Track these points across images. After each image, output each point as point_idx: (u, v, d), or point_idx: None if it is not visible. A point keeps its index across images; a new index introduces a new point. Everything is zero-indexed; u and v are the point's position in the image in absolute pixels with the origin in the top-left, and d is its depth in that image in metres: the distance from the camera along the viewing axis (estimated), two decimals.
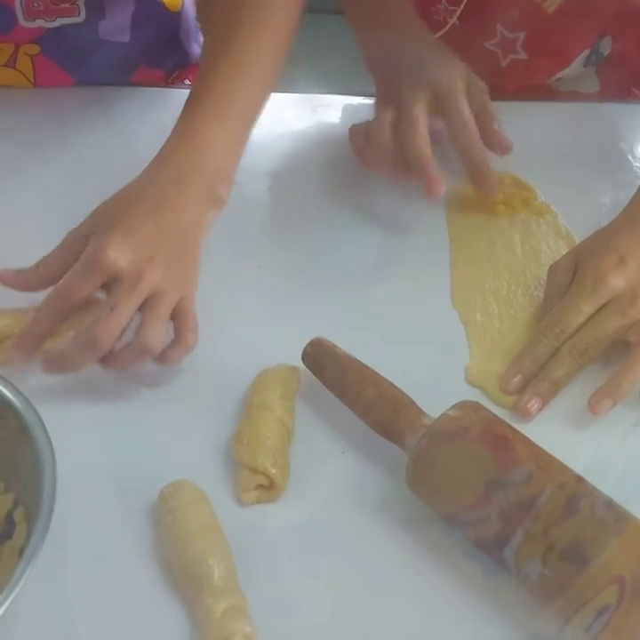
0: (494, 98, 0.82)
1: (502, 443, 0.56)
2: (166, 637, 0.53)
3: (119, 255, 0.61)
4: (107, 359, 0.63)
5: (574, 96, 1.00)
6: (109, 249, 0.61)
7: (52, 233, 0.70)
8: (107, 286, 0.63)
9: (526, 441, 0.57)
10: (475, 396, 0.66)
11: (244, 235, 0.79)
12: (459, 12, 0.89)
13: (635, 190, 0.76)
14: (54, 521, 0.50)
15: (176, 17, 0.96)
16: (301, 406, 0.65)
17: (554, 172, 0.85)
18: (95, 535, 0.58)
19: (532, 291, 0.75)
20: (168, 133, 0.70)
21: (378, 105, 0.82)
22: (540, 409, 0.65)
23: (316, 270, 0.77)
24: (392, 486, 0.61)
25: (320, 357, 0.65)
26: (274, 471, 0.59)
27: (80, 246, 0.65)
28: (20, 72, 0.92)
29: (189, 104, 0.71)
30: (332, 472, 0.62)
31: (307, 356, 0.65)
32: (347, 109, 0.94)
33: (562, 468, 0.56)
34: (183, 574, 0.55)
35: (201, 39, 0.99)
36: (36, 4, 0.85)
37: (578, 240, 0.78)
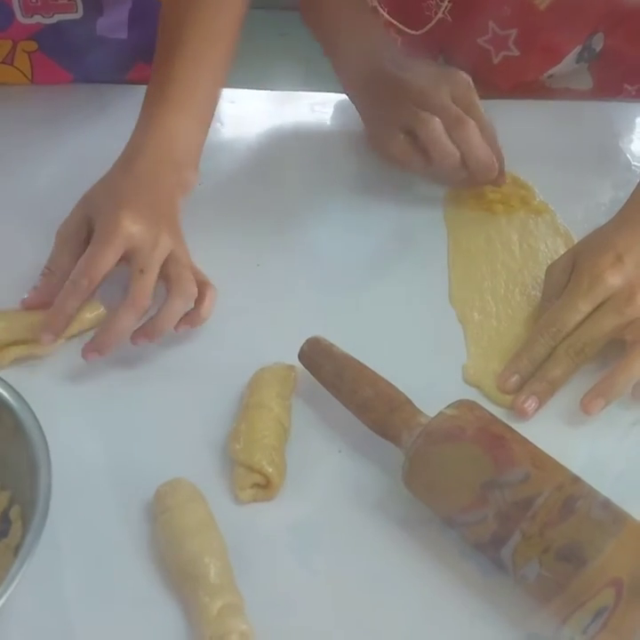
0: (487, 95, 0.81)
1: (499, 442, 0.56)
2: (162, 635, 0.53)
3: (133, 225, 0.66)
4: (148, 329, 0.66)
5: (567, 93, 1.00)
6: (124, 222, 0.66)
7: (49, 229, 0.70)
8: (125, 257, 0.67)
9: (523, 440, 0.57)
10: (472, 395, 0.65)
11: (243, 233, 0.79)
12: (446, 6, 0.89)
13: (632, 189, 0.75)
14: (50, 519, 0.50)
15: None
16: (298, 405, 0.65)
17: (551, 170, 0.85)
18: (91, 533, 0.58)
19: (529, 290, 0.75)
20: None
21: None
22: (537, 409, 0.65)
23: (314, 269, 0.77)
24: (389, 485, 0.61)
25: (317, 356, 0.65)
26: (270, 470, 0.59)
27: (79, 237, 0.68)
28: (18, 69, 0.92)
29: (152, 93, 0.75)
30: (328, 471, 0.62)
31: (303, 355, 0.65)
32: (344, 107, 0.94)
33: (559, 468, 0.55)
34: (179, 572, 0.55)
35: None
36: (33, 1, 0.85)
37: (576, 239, 0.78)
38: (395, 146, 0.79)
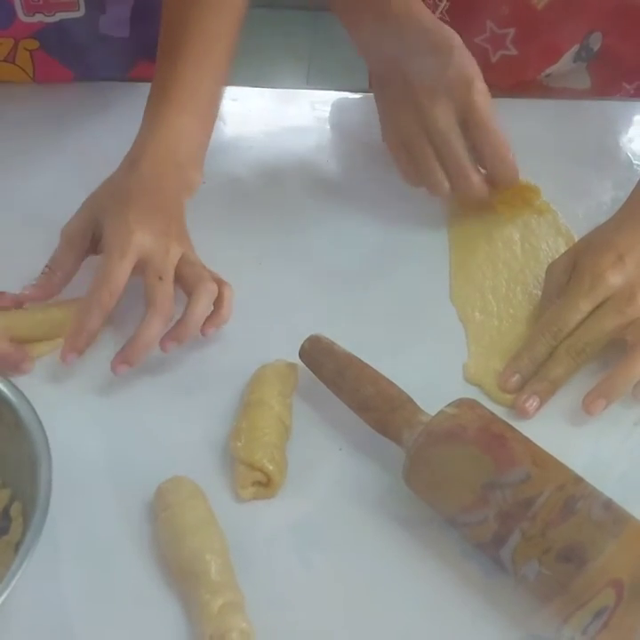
0: None
1: (500, 441, 0.56)
2: (163, 633, 0.53)
3: (144, 233, 0.66)
4: (179, 332, 0.65)
5: (565, 92, 1.00)
6: (135, 231, 0.66)
7: (52, 228, 0.70)
8: (138, 266, 0.66)
9: (524, 440, 0.57)
10: (473, 393, 0.65)
11: (244, 231, 0.79)
12: (444, 5, 0.89)
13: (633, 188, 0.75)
14: (51, 516, 0.50)
15: None
16: (299, 403, 0.65)
17: (552, 169, 0.85)
18: (92, 530, 0.58)
19: (531, 289, 0.75)
20: None
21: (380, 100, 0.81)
22: (539, 408, 0.65)
23: (316, 267, 0.77)
24: (389, 483, 0.61)
25: (318, 354, 0.65)
26: (271, 467, 0.59)
27: (84, 239, 0.69)
28: (20, 67, 0.92)
29: (155, 94, 0.75)
30: (329, 469, 0.62)
31: (304, 353, 0.65)
32: (345, 106, 0.94)
33: (560, 467, 0.55)
34: (180, 570, 0.55)
35: None
36: None
37: (577, 239, 0.78)
38: (397, 164, 0.80)
